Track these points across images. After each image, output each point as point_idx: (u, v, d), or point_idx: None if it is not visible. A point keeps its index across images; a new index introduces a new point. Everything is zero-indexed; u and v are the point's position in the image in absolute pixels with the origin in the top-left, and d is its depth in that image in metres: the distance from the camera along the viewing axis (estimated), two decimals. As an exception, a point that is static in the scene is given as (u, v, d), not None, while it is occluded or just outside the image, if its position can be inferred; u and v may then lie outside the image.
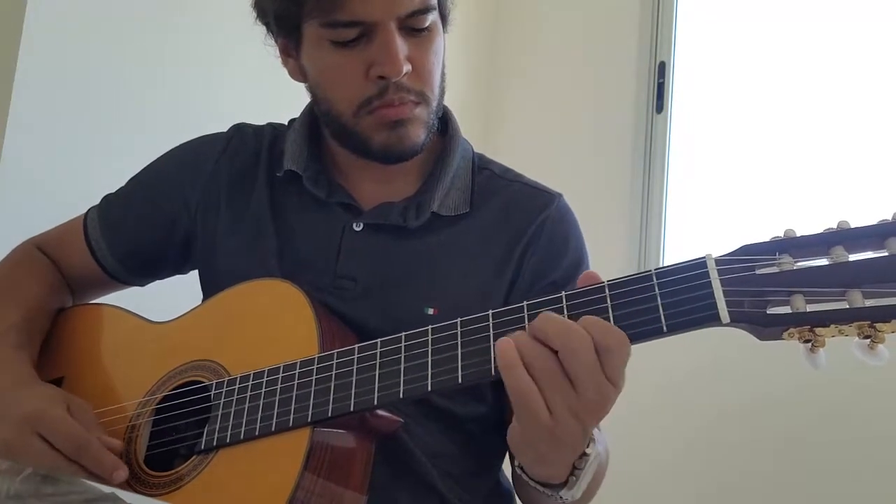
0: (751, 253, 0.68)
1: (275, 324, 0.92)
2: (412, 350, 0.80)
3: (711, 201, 2.47)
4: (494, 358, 0.74)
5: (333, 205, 1.05)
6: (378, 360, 0.81)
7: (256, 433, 0.85)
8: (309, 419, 0.82)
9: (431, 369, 0.78)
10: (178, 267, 1.18)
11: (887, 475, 1.88)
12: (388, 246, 1.02)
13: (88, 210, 1.18)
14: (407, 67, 0.95)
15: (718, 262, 0.69)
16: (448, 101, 1.07)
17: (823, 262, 0.66)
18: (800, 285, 0.66)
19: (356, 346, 0.83)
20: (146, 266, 1.17)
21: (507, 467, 1.08)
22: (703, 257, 0.70)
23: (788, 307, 0.66)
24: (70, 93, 1.71)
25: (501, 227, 1.05)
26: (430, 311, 0.98)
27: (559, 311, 0.73)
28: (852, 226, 0.66)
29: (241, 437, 0.85)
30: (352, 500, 0.85)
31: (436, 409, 0.98)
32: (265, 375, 0.87)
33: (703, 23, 2.65)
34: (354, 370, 0.82)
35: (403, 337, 0.81)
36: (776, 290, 0.66)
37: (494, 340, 0.75)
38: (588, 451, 0.75)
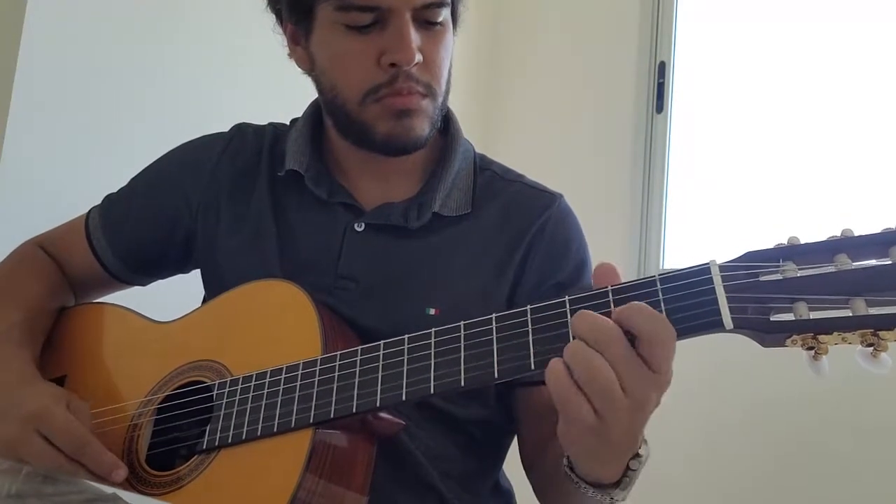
0: (754, 260, 0.68)
1: (278, 325, 0.92)
2: (415, 353, 0.80)
3: (711, 201, 2.47)
4: (498, 362, 0.74)
5: (335, 205, 1.05)
6: (381, 362, 0.81)
7: (258, 433, 0.85)
8: (311, 420, 0.82)
9: (434, 372, 0.78)
10: (179, 266, 1.18)
11: (890, 476, 1.89)
12: (389, 246, 1.02)
13: (90, 210, 1.18)
14: (418, 57, 0.95)
15: (722, 268, 0.69)
16: (449, 101, 1.07)
17: (827, 269, 0.66)
18: (803, 292, 0.66)
19: (359, 347, 0.84)
20: (147, 265, 1.17)
21: (507, 467, 1.09)
22: (707, 263, 0.70)
23: (792, 314, 0.66)
24: (70, 93, 1.71)
25: (503, 228, 1.05)
26: (432, 312, 0.98)
27: (562, 314, 0.73)
28: (856, 234, 0.66)
29: (243, 437, 0.85)
30: (353, 501, 0.85)
31: (437, 411, 0.98)
32: (268, 376, 0.87)
33: (703, 23, 2.65)
34: (357, 371, 0.82)
35: (406, 339, 0.81)
36: (780, 297, 0.66)
37: (497, 344, 0.75)
38: (641, 451, 0.75)
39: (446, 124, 1.09)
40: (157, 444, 0.93)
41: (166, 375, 0.96)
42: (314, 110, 1.12)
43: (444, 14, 0.98)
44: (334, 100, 1.01)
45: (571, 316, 0.71)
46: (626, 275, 0.74)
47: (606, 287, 0.73)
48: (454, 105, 1.11)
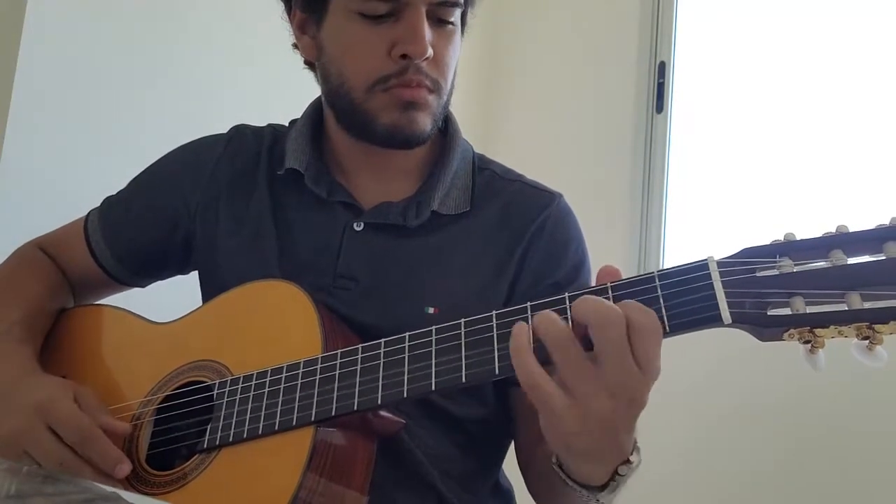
0: (752, 256, 0.69)
1: (278, 324, 0.93)
2: (416, 350, 0.80)
3: (711, 201, 2.47)
4: (498, 358, 0.75)
5: (334, 204, 1.06)
6: (382, 361, 0.82)
7: (259, 432, 0.85)
8: (312, 418, 0.82)
9: (435, 369, 0.78)
10: (178, 268, 1.18)
11: (889, 473, 1.89)
12: (388, 245, 1.03)
13: (89, 212, 1.18)
14: (430, 51, 0.96)
15: (720, 264, 0.70)
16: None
17: (823, 264, 0.67)
18: (799, 287, 0.66)
19: (359, 346, 0.84)
20: (146, 267, 1.17)
21: (507, 467, 1.09)
22: (705, 259, 0.71)
23: (788, 308, 0.67)
24: (70, 93, 1.71)
25: (502, 227, 1.05)
26: (431, 311, 0.98)
27: (562, 311, 0.73)
28: (851, 230, 0.67)
29: (244, 436, 0.85)
30: (353, 500, 0.85)
31: (437, 409, 0.98)
32: (268, 375, 0.87)
33: (703, 23, 2.65)
34: (358, 370, 0.82)
35: (407, 337, 0.81)
36: (776, 292, 0.67)
37: (498, 342, 0.76)
38: (632, 458, 0.75)
39: (445, 124, 1.10)
40: (156, 444, 0.93)
41: (166, 376, 0.96)
42: (314, 110, 1.12)
43: (456, 15, 1.00)
44: (340, 87, 1.01)
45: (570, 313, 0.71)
46: (627, 274, 0.74)
47: (606, 283, 0.73)
48: (454, 104, 1.11)
